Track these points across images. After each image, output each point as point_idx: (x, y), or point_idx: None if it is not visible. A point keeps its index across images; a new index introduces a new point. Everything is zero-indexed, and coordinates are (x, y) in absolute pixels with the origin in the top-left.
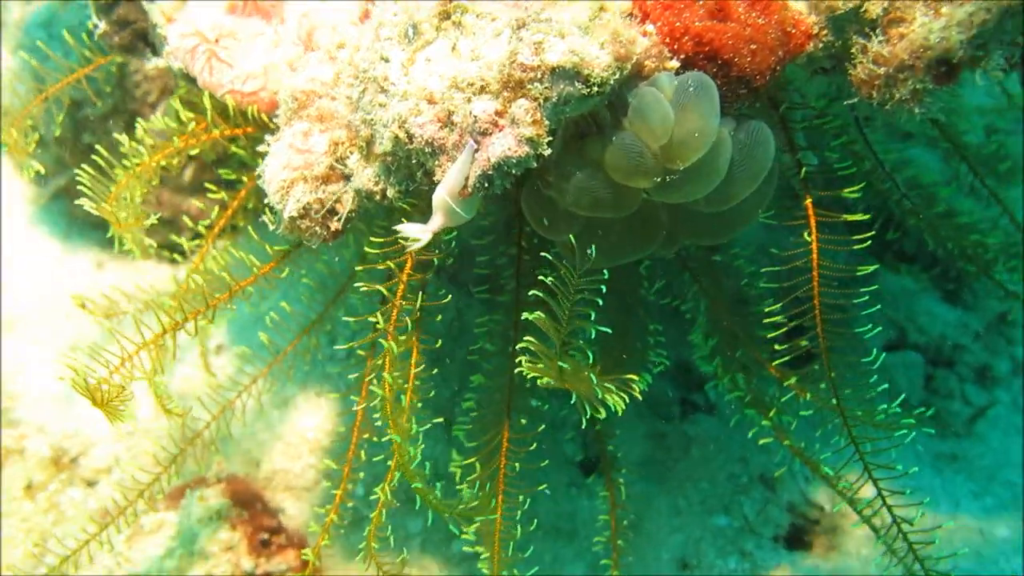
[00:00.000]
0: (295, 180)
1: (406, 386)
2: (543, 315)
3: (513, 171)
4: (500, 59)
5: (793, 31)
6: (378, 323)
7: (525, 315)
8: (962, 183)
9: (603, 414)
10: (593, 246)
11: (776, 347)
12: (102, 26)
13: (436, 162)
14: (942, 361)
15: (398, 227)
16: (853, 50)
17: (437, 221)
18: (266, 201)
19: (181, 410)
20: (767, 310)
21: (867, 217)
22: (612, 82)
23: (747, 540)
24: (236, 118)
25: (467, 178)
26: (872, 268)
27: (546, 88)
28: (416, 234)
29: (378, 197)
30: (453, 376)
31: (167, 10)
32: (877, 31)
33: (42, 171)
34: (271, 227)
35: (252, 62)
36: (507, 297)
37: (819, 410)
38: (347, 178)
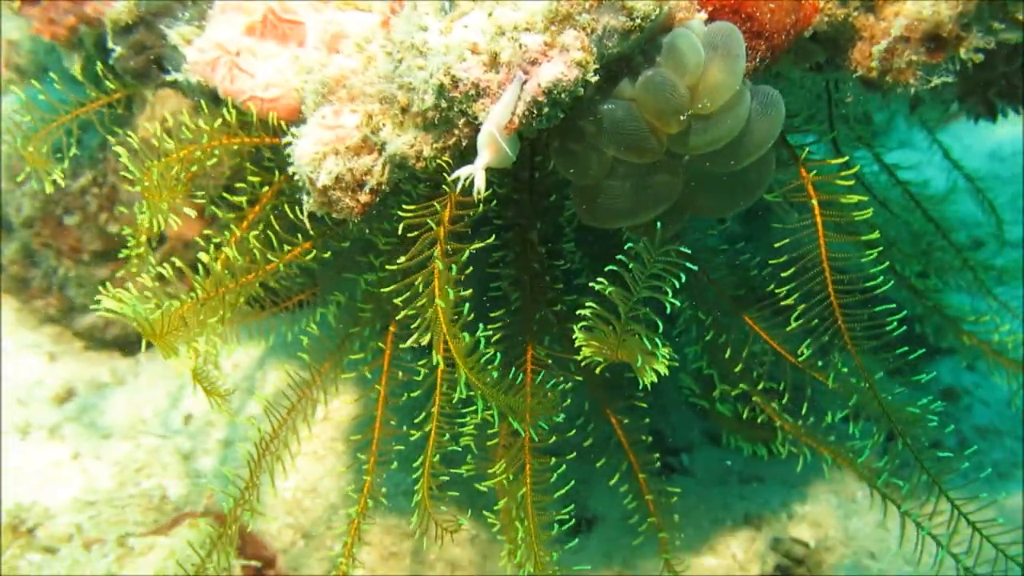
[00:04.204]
0: (327, 153)
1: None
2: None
3: (564, 97)
4: (544, 2)
5: (804, 2)
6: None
7: (592, 284)
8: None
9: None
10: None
11: None
12: (118, 50)
13: (480, 104)
14: None
15: (452, 175)
16: (853, 22)
17: (485, 157)
18: (296, 177)
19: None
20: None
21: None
22: (653, 17)
23: None
24: (257, 128)
25: (513, 111)
26: None
27: (592, 19)
28: (466, 173)
29: (412, 160)
30: None
31: (186, 34)
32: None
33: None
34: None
35: (272, 72)
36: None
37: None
38: (380, 150)
